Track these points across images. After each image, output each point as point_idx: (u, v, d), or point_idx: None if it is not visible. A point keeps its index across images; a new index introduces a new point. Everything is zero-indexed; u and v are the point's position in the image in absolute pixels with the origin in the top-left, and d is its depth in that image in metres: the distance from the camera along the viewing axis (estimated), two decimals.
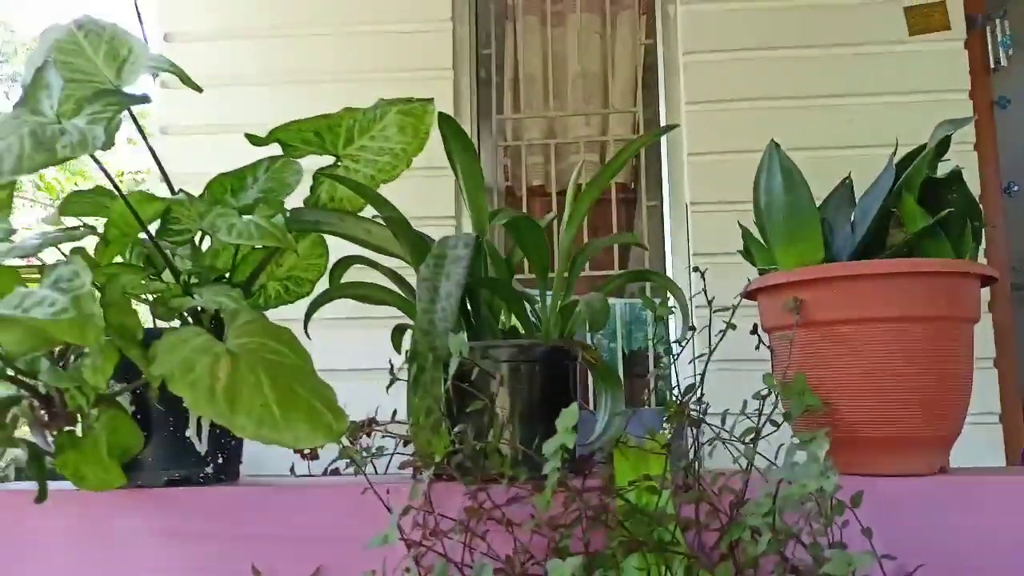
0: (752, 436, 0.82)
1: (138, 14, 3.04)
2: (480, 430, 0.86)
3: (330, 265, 0.98)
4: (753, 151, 3.00)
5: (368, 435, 0.86)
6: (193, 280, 0.93)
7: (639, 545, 0.78)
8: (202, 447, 0.89)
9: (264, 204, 0.86)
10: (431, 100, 0.97)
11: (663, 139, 2.98)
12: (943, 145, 0.86)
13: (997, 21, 2.72)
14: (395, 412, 0.81)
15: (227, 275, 0.95)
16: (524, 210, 3.14)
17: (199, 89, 0.89)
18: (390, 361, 0.84)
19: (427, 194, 2.95)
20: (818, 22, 2.84)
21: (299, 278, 0.99)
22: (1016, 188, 3.08)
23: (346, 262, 0.96)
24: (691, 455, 0.84)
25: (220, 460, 0.91)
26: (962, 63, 2.78)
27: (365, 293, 0.90)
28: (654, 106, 3.04)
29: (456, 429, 0.85)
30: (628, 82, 3.19)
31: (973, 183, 2.72)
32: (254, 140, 0.91)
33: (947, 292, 0.81)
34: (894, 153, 0.88)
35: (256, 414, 0.66)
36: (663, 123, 2.97)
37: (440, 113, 0.85)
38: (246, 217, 0.84)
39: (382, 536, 0.69)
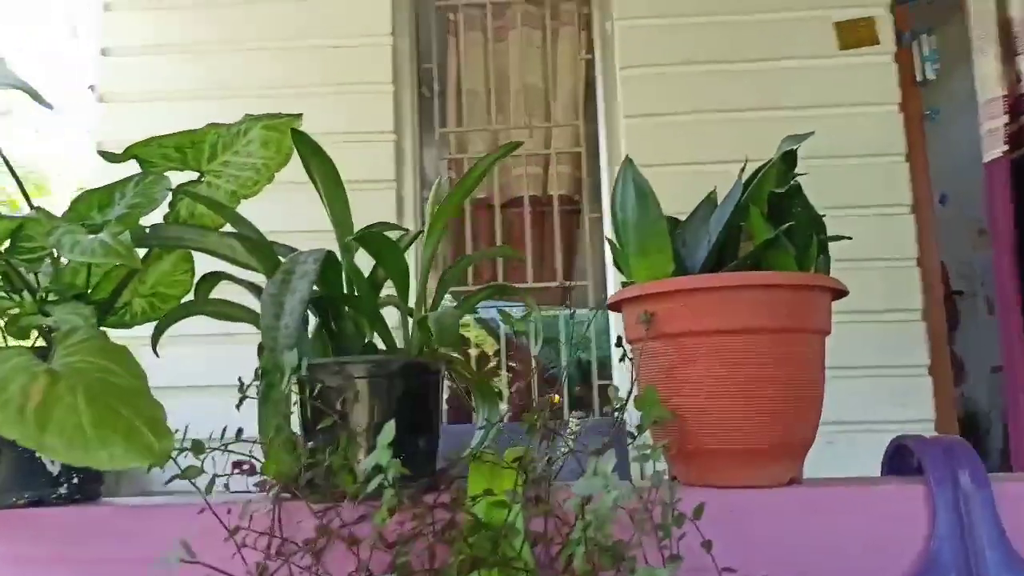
0: (601, 449, 0.82)
1: (73, 28, 3.00)
2: (337, 447, 0.86)
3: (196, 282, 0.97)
4: (690, 163, 3.04)
5: (223, 452, 0.85)
6: (52, 298, 0.92)
7: (481, 561, 0.78)
8: (54, 467, 0.87)
9: (117, 221, 0.85)
10: (299, 116, 0.97)
11: (603, 151, 3.01)
12: (790, 159, 0.87)
13: (923, 37, 2.78)
14: (240, 430, 0.80)
15: (86, 292, 0.94)
16: (468, 223, 3.14)
17: (49, 106, 0.88)
18: (240, 379, 0.84)
19: (368, 207, 2.96)
20: (750, 37, 2.89)
21: (164, 294, 0.98)
22: (948, 198, 3.14)
23: (211, 278, 0.95)
24: (540, 469, 0.84)
25: (75, 480, 0.89)
26: (892, 77, 2.84)
27: (217, 310, 0.89)
28: (595, 119, 3.06)
29: (308, 446, 0.85)
30: (570, 96, 3.21)
31: (906, 194, 2.79)
32: (108, 157, 0.90)
33: (789, 304, 0.82)
34: (743, 168, 0.90)
35: (67, 435, 0.65)
36: (602, 136, 3.00)
37: (293, 130, 0.85)
38: (93, 235, 0.83)
39: (165, 558, 0.68)
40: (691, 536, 0.77)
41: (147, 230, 0.92)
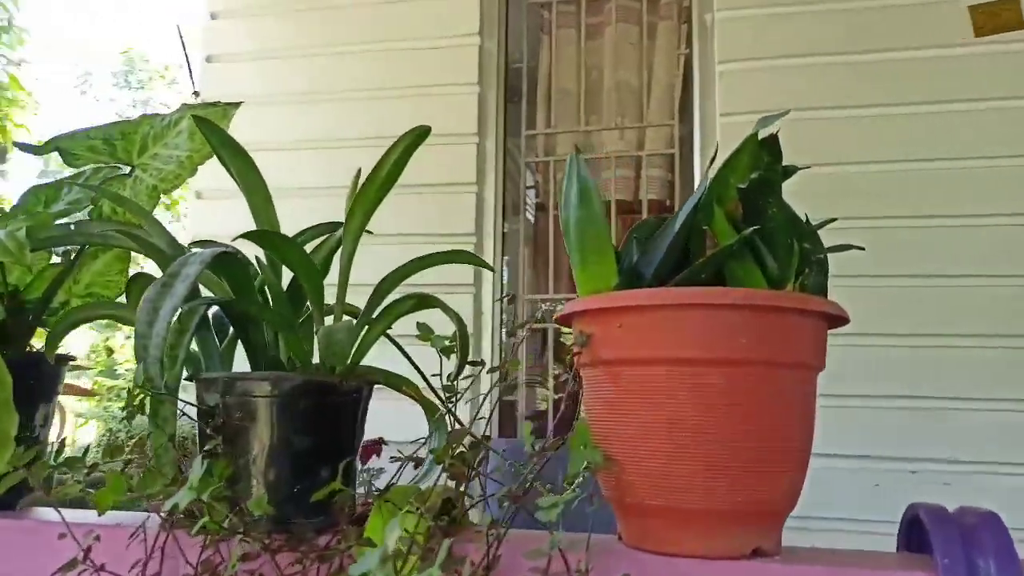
0: (514, 493, 0.68)
1: (181, 40, 3.14)
2: (235, 472, 0.76)
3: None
4: (793, 167, 2.75)
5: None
6: None
7: None
8: None
9: (28, 217, 0.80)
10: (235, 105, 0.89)
11: (696, 153, 2.80)
12: (772, 147, 0.69)
13: None
14: (87, 449, 0.72)
15: (19, 291, 0.89)
16: (552, 228, 3.01)
17: None
18: (128, 391, 0.76)
19: (448, 211, 2.90)
20: (868, 25, 2.58)
21: (99, 295, 0.92)
22: None
23: (140, 279, 0.88)
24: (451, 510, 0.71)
25: None
26: None
27: (114, 314, 0.82)
28: (690, 119, 2.86)
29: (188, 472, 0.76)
30: (665, 94, 3.01)
31: None
32: (26, 148, 0.85)
33: (754, 330, 0.64)
34: (712, 160, 0.73)
35: None
36: (697, 137, 2.79)
37: (197, 118, 0.76)
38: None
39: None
40: None
41: (71, 227, 0.86)
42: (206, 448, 0.75)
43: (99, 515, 0.76)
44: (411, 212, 2.82)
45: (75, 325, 0.83)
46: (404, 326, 0.86)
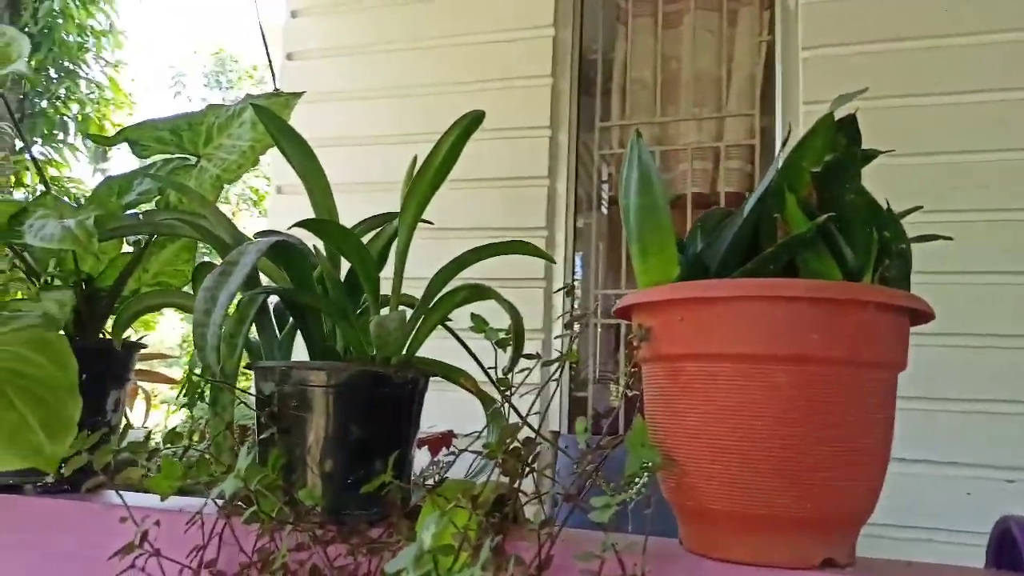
0: (568, 492, 0.66)
1: (263, 38, 3.22)
2: (290, 461, 0.76)
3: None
4: (880, 156, 2.63)
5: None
6: (57, 283, 0.92)
7: None
8: None
9: (98, 206, 0.82)
10: (296, 95, 0.89)
11: (777, 144, 2.70)
12: (850, 128, 0.64)
13: None
14: (148, 434, 0.74)
15: (92, 279, 0.92)
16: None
17: None
18: (189, 377, 0.77)
19: (519, 205, 2.88)
20: (958, 7, 2.43)
21: (166, 283, 0.94)
22: None
23: (204, 268, 0.90)
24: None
25: (61, 469, 0.88)
26: None
27: (172, 302, 0.83)
28: (772, 108, 2.76)
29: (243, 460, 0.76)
30: (746, 83, 2.92)
31: None
32: (98, 139, 0.88)
33: (822, 324, 0.60)
34: (784, 142, 0.68)
35: None
36: (779, 127, 2.69)
37: (255, 107, 0.77)
38: (66, 220, 0.80)
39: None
40: None
41: (139, 216, 0.88)
42: (262, 437, 0.75)
43: (161, 500, 0.78)
44: (483, 206, 2.82)
45: (141, 313, 0.84)
46: (467, 319, 0.84)
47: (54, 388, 0.69)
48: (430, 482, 0.74)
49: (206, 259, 0.92)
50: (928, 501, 2.17)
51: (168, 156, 0.96)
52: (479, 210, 2.80)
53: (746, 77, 2.93)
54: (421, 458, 0.86)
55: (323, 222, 0.74)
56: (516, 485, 0.71)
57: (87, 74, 6.30)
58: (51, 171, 5.84)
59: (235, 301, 0.77)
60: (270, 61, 3.30)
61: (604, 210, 3.29)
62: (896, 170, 2.35)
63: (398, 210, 0.89)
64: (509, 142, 2.86)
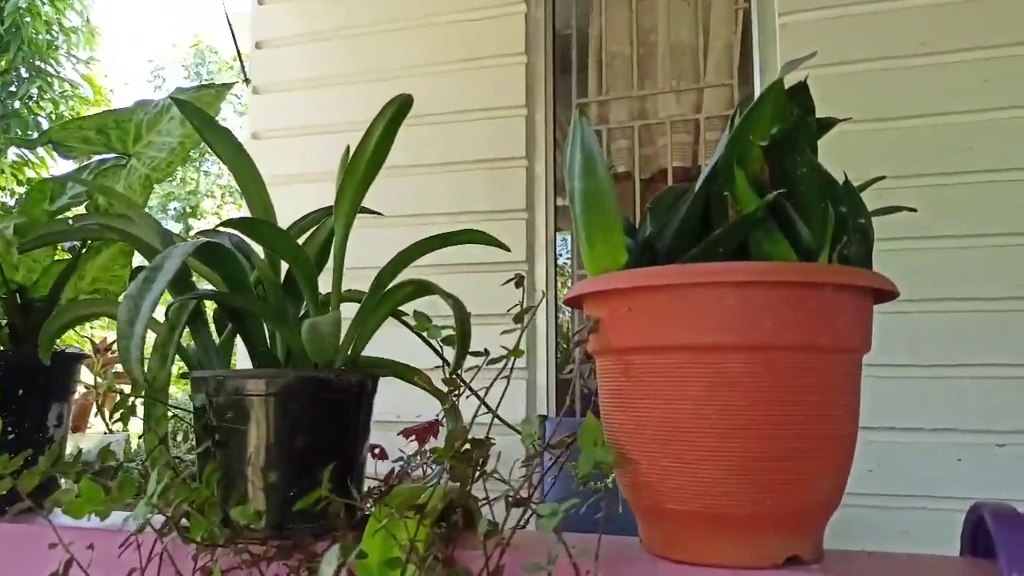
0: (514, 500, 0.62)
1: (230, 26, 3.15)
2: (229, 474, 0.72)
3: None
4: (863, 121, 2.57)
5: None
6: None
7: None
8: None
9: (18, 214, 0.77)
10: (230, 85, 0.84)
11: None
12: (801, 96, 0.60)
13: None
14: (79, 451, 0.70)
15: (25, 289, 0.88)
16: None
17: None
18: (120, 391, 0.73)
19: (499, 186, 2.83)
20: None
21: (105, 290, 0.90)
22: None
23: (140, 272, 0.85)
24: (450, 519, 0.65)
25: None
26: None
27: (106, 311, 0.79)
28: (750, 78, 2.70)
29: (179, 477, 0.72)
30: (723, 53, 2.86)
31: None
32: (22, 142, 0.83)
33: (777, 310, 0.56)
34: (734, 115, 0.64)
35: None
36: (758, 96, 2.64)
37: (177, 101, 0.72)
38: None
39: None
40: None
41: (70, 221, 0.83)
42: (199, 450, 0.71)
43: (101, 520, 0.74)
44: (463, 189, 2.78)
45: (72, 324, 0.80)
46: (429, 308, 0.79)
47: None
48: (374, 492, 0.70)
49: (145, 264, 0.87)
50: (919, 469, 2.14)
51: (103, 156, 0.91)
52: (459, 193, 2.75)
53: (723, 46, 2.87)
54: (382, 462, 0.82)
55: (251, 221, 0.70)
56: (467, 489, 0.67)
57: (59, 72, 6.19)
58: (29, 172, 5.75)
59: (166, 308, 0.72)
60: (238, 51, 3.24)
61: None
62: (869, 136, 2.31)
63: (370, 199, 0.85)
64: (485, 123, 2.81)
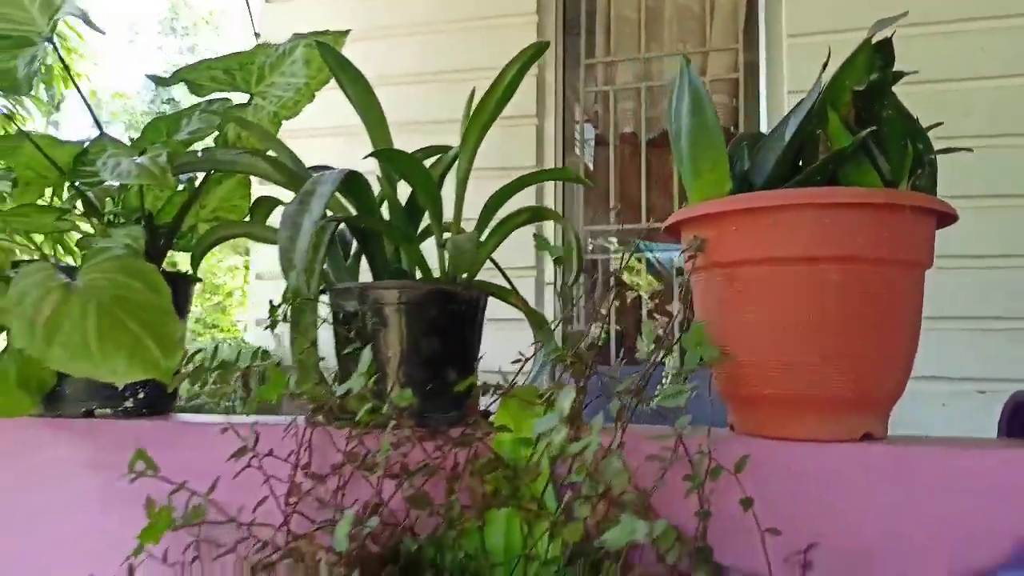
0: (634, 390, 0.73)
1: None
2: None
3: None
4: (901, 71, 2.66)
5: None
6: (120, 220, 0.96)
7: (496, 500, 0.73)
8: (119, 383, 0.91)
9: (163, 144, 0.86)
10: (344, 32, 0.93)
11: (763, 77, 2.76)
12: (885, 50, 0.71)
13: None
14: (262, 351, 0.80)
15: (151, 215, 0.96)
16: (612, 158, 3.01)
17: (102, 32, 0.90)
18: (270, 302, 0.82)
19: (509, 144, 2.92)
20: None
21: (223, 218, 0.99)
22: None
23: (265, 202, 0.95)
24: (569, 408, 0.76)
25: (140, 395, 0.93)
26: None
27: (250, 232, 0.88)
28: (755, 41, 2.81)
29: (335, 372, 0.83)
30: (729, 17, 2.95)
31: None
32: (157, 80, 0.91)
33: (865, 228, 0.67)
34: (825, 65, 0.74)
35: (72, 347, 0.67)
36: (763, 60, 2.75)
37: (319, 43, 0.81)
38: (134, 158, 0.84)
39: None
40: (737, 492, 0.67)
41: (199, 154, 0.92)
42: (345, 352, 0.82)
43: (249, 414, 0.84)
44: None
45: (215, 243, 0.89)
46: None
47: (155, 310, 0.74)
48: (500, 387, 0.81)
49: (264, 194, 0.97)
50: (906, 413, 2.31)
51: (211, 98, 0.99)
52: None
53: (729, 11, 2.96)
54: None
55: (394, 151, 0.79)
56: (584, 384, 0.79)
57: None
58: (15, 126, 5.67)
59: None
60: (247, 3, 3.25)
61: (591, 148, 3.33)
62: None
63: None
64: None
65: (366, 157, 0.78)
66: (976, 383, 2.32)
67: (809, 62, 2.71)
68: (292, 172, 0.84)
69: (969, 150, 0.76)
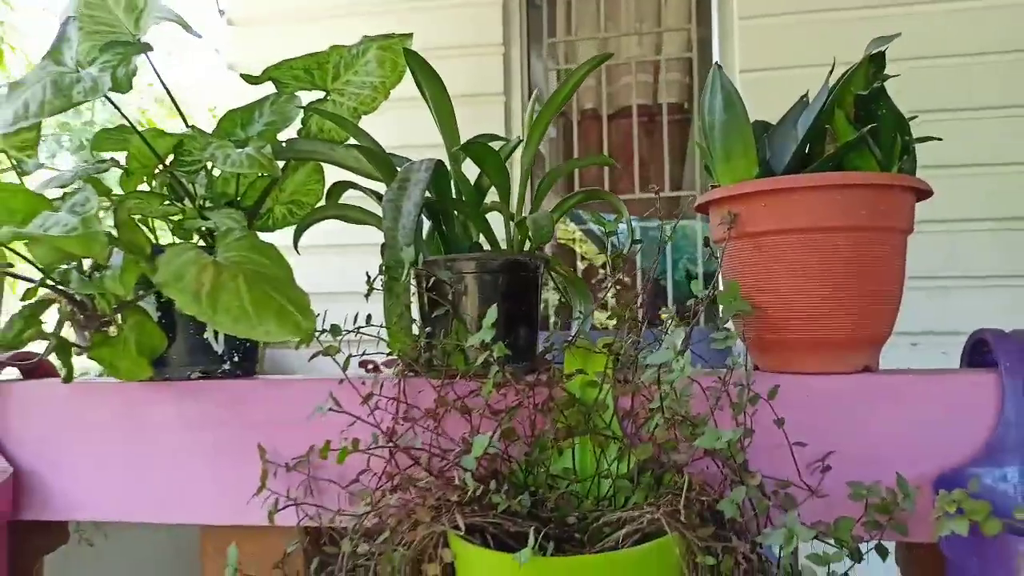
0: (683, 338, 0.91)
1: None
2: (448, 333, 0.98)
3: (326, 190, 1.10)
4: (810, 66, 2.90)
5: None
6: (208, 205, 1.07)
7: (575, 430, 0.89)
8: (219, 347, 1.04)
9: (259, 137, 0.98)
10: (409, 35, 1.06)
11: (716, 56, 2.95)
12: (879, 61, 0.89)
13: None
14: (369, 316, 0.94)
15: (237, 200, 1.08)
16: (576, 134, 3.18)
17: (198, 35, 1.01)
18: (367, 273, 0.96)
19: (474, 123, 3.05)
20: None
21: (300, 202, 1.12)
22: None
23: (339, 187, 1.07)
24: (627, 354, 0.94)
25: (236, 359, 1.06)
26: None
27: (346, 214, 1.01)
28: (708, 22, 2.99)
29: (426, 331, 0.98)
30: None
31: None
32: (248, 79, 1.03)
33: (869, 203, 0.86)
34: (831, 71, 0.92)
35: (232, 313, 0.80)
36: (716, 40, 2.94)
37: (406, 50, 0.94)
38: (241, 149, 0.96)
39: (320, 407, 0.83)
40: (766, 416, 0.85)
41: (283, 144, 1.04)
42: (434, 315, 0.97)
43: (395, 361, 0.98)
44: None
45: (313, 223, 1.02)
46: None
47: (283, 282, 0.87)
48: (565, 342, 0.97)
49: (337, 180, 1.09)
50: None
51: (286, 91, 1.11)
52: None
53: None
54: None
55: (476, 143, 0.94)
56: (639, 339, 0.96)
57: None
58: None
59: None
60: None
61: (554, 125, 3.49)
62: None
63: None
64: (464, 60, 3.00)
65: (455, 150, 0.93)
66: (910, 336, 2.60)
67: (759, 43, 2.94)
68: (384, 161, 0.97)
69: (937, 139, 0.95)
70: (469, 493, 0.76)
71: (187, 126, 1.06)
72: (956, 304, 2.57)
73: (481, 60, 3.02)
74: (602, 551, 0.75)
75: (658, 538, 0.72)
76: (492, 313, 0.79)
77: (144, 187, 1.06)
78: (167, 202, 1.02)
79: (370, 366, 1.07)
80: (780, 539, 0.67)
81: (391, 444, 0.86)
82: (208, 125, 1.07)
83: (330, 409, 0.86)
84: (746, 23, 2.80)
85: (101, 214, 0.88)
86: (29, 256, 0.89)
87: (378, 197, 1.08)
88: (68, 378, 0.92)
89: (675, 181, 3.12)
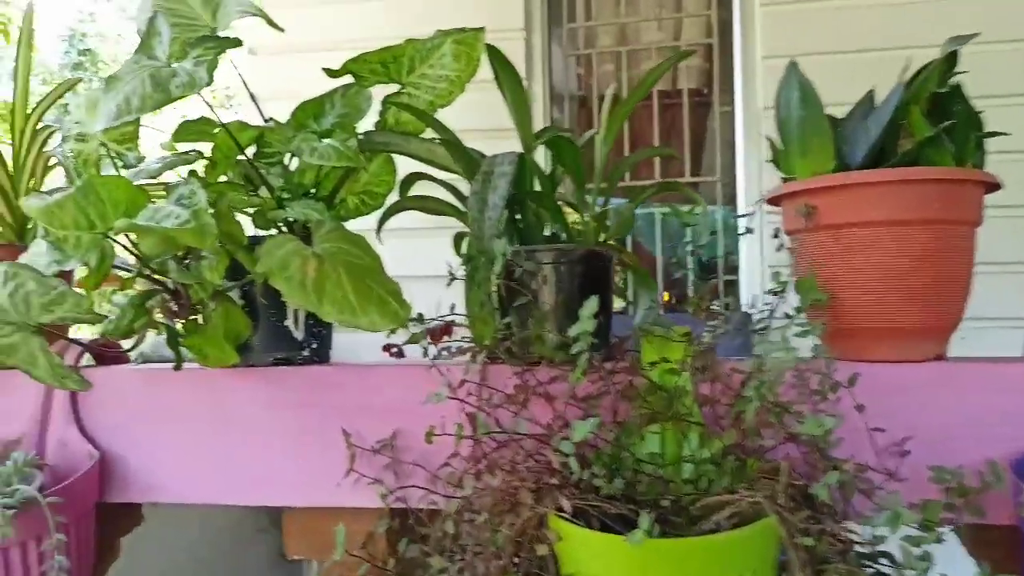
0: (762, 327, 0.94)
1: None
2: (527, 321, 1.01)
3: (399, 181, 1.12)
4: (831, 53, 2.92)
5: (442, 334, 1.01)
6: (285, 195, 1.10)
7: (658, 416, 0.92)
8: (299, 334, 1.07)
9: (339, 129, 1.00)
10: (482, 29, 1.08)
11: (736, 42, 2.97)
12: (952, 60, 0.92)
13: None
14: (453, 305, 0.96)
15: (312, 190, 1.11)
16: (595, 120, 3.20)
17: (281, 29, 1.02)
18: (448, 263, 0.99)
19: (495, 108, 3.06)
20: None
21: (373, 192, 1.14)
22: None
23: (412, 178, 1.10)
24: (705, 343, 0.97)
25: (314, 345, 1.09)
26: None
27: (425, 205, 1.04)
28: (729, 7, 3.00)
29: (505, 320, 1.01)
30: None
31: None
32: (330, 72, 1.04)
33: (941, 197, 0.89)
34: (905, 68, 0.95)
35: (338, 303, 0.83)
36: (736, 26, 2.95)
37: (488, 46, 0.97)
38: (325, 141, 0.98)
39: (434, 395, 0.86)
40: (844, 403, 0.88)
41: (359, 136, 1.06)
42: (516, 303, 0.99)
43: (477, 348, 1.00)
44: (465, 110, 2.98)
45: (393, 214, 1.05)
46: None
47: (377, 272, 0.90)
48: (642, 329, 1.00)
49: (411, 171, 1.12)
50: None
51: (347, 85, 1.13)
52: (462, 113, 2.96)
53: None
54: None
55: (558, 138, 0.96)
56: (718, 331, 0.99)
57: None
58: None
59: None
60: None
61: (574, 110, 3.50)
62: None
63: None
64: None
65: (538, 143, 0.95)
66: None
67: (781, 29, 2.94)
68: (465, 154, 1.00)
69: (1007, 134, 0.98)
70: (574, 477, 0.79)
71: (264, 120, 1.08)
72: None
73: (502, 46, 3.01)
74: (700, 533, 0.78)
75: (753, 522, 0.76)
76: (592, 304, 0.82)
77: (223, 178, 1.08)
78: (249, 193, 1.04)
79: (394, 349, 1.09)
80: (887, 522, 0.70)
81: (500, 430, 0.89)
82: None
83: (448, 397, 0.90)
84: (767, 9, 2.81)
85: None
86: (128, 247, 0.91)
87: (450, 188, 1.11)
88: (178, 366, 0.94)
89: (694, 166, 3.14)
